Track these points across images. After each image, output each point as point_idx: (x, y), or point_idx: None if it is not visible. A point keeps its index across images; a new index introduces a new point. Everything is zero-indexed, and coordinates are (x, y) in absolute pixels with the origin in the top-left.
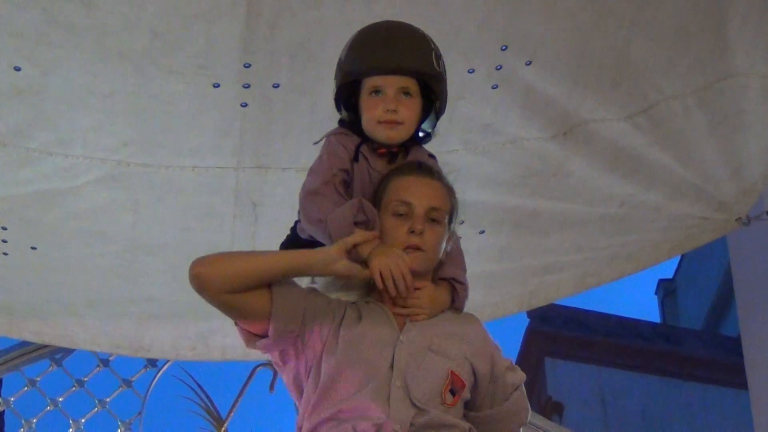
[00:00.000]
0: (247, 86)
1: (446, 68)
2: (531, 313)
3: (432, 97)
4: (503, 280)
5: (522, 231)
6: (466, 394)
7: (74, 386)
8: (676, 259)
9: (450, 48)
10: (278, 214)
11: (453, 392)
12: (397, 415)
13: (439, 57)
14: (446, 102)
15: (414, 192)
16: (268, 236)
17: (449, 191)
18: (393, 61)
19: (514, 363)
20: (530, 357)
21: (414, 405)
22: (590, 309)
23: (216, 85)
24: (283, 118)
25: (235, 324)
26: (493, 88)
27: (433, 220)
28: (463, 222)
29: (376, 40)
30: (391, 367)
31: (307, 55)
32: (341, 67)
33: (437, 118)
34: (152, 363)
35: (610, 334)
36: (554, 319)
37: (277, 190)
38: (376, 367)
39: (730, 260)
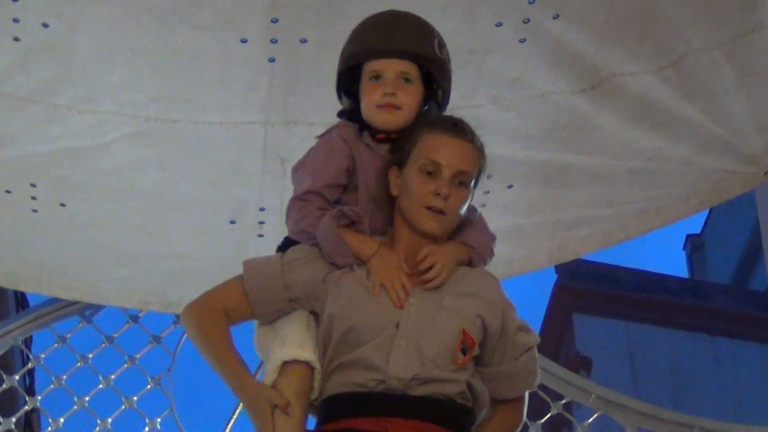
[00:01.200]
0: (274, 41)
1: (476, 21)
2: (559, 269)
3: (434, 85)
4: (532, 234)
5: (550, 185)
6: (476, 351)
7: (104, 343)
8: (704, 215)
9: (478, 1)
10: None
11: (464, 351)
12: (395, 371)
13: (442, 45)
14: (450, 91)
15: (445, 153)
16: None
17: (480, 153)
18: (393, 44)
19: (538, 323)
20: (559, 313)
21: (421, 363)
22: (618, 264)
23: (243, 41)
24: (311, 73)
25: None
26: (520, 41)
27: (460, 183)
28: (491, 176)
29: (377, 26)
30: (398, 325)
31: (335, 9)
32: (342, 53)
33: (440, 108)
34: None
35: (638, 289)
36: (582, 274)
37: (305, 145)
38: (381, 324)
39: (758, 214)
